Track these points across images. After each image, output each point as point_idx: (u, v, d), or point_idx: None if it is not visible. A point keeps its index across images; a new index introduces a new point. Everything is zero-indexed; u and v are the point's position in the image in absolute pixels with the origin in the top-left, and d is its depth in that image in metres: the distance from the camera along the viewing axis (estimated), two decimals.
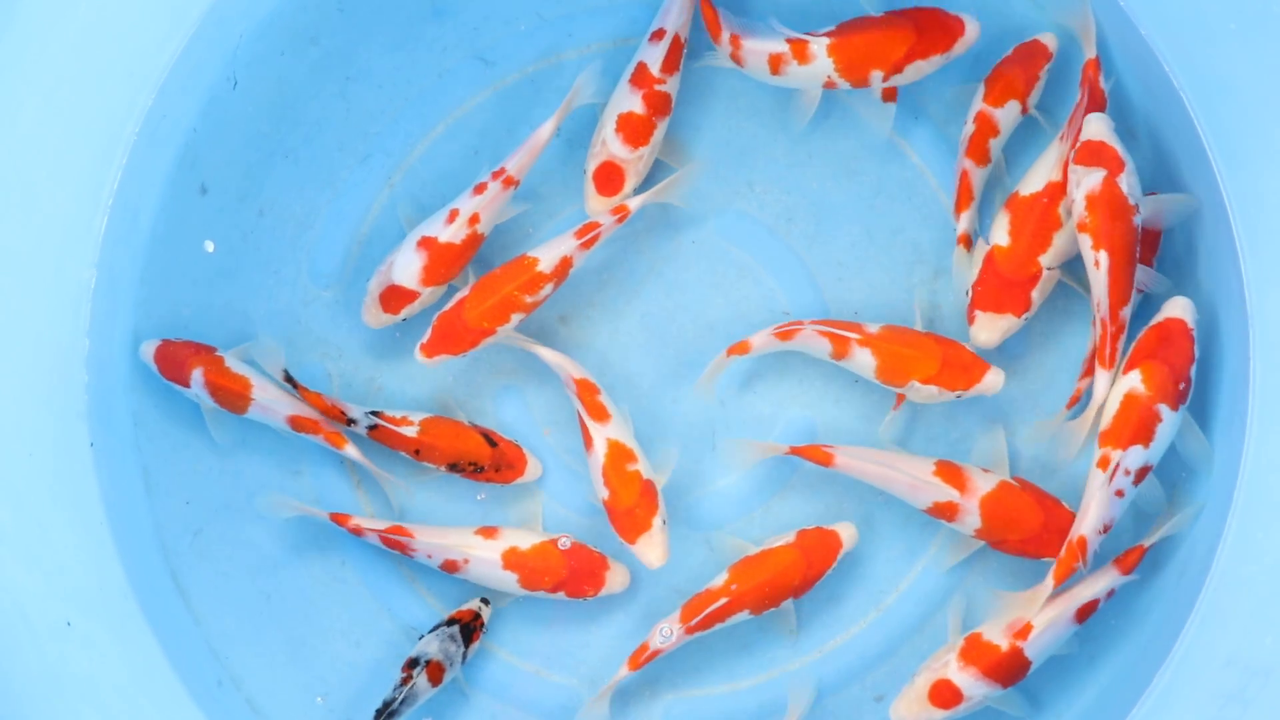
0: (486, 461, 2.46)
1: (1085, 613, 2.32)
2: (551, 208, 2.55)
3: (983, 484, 2.36)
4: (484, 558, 2.42)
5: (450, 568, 2.43)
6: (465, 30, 2.57)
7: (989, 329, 2.41)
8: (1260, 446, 2.29)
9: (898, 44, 2.41)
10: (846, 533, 2.43)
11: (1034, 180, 2.41)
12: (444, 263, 2.44)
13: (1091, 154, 2.33)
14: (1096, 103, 2.39)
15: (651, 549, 2.41)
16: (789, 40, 2.41)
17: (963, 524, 2.37)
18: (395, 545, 2.43)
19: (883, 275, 2.53)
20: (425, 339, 2.44)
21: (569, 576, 2.42)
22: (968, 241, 2.45)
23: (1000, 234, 2.41)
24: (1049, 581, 2.27)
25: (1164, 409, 2.27)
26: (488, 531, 2.44)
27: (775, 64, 2.43)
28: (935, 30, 2.42)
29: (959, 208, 2.46)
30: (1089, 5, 2.40)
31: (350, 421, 2.42)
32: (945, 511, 2.37)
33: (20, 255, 2.37)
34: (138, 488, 2.47)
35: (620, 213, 2.45)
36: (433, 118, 2.57)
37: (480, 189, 2.44)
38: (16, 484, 2.33)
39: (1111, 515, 2.27)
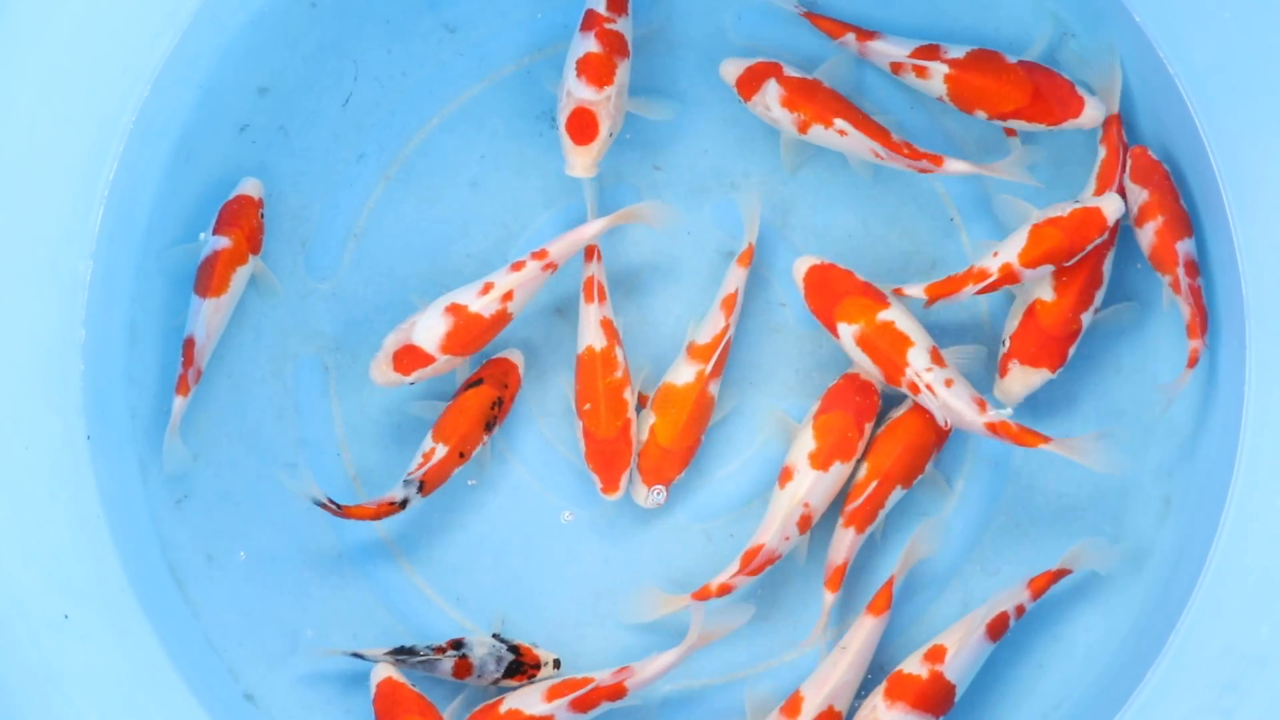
0: (497, 395, 2.43)
1: (997, 629, 2.33)
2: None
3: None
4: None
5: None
6: (461, 22, 2.57)
7: (1022, 382, 2.40)
8: (1256, 438, 2.31)
9: (1008, 101, 2.41)
10: None
11: None
12: (469, 333, 2.40)
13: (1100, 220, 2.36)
14: (1118, 159, 2.40)
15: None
16: (912, 55, 2.43)
17: None
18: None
19: (880, 265, 2.53)
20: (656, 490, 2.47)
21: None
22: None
23: (1044, 289, 2.40)
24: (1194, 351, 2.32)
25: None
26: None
27: (896, 69, 2.46)
28: (1051, 102, 2.41)
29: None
30: (1118, 62, 2.41)
31: (405, 502, 2.38)
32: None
33: (16, 247, 2.36)
34: (135, 481, 2.46)
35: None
36: (428, 110, 2.56)
37: (518, 266, 2.41)
38: (13, 478, 2.33)
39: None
